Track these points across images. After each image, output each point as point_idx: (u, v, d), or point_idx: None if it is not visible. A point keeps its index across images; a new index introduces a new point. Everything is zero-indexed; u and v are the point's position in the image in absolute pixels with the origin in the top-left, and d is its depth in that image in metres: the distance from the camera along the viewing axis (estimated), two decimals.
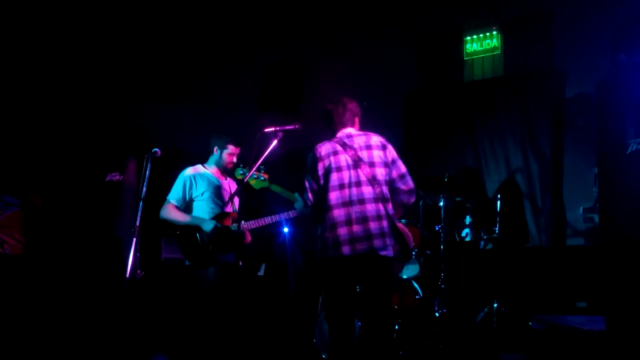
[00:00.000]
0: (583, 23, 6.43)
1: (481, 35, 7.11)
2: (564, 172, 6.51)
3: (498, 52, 7.04)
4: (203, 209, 5.02)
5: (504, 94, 6.88)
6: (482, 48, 7.13)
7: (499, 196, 5.88)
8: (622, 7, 5.65)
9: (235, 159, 5.10)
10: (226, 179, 5.20)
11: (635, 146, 4.78)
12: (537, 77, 6.72)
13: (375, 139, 4.24)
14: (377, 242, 4.03)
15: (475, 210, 6.31)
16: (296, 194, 4.38)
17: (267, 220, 4.95)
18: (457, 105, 7.15)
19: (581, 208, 6.37)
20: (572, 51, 6.51)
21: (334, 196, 4.11)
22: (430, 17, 7.39)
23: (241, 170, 4.66)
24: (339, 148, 4.19)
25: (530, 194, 6.57)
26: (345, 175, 4.12)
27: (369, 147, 4.18)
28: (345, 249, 4.03)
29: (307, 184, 4.24)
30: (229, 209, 5.06)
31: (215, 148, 5.14)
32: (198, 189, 5.03)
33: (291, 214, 4.85)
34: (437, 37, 7.44)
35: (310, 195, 4.23)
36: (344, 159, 4.15)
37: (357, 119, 4.39)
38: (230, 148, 5.09)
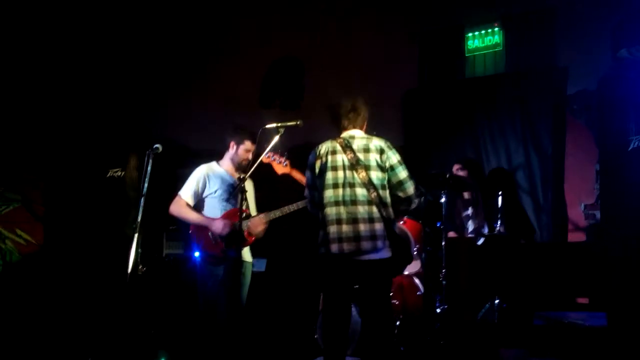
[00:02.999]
0: (585, 19, 6.42)
1: (483, 31, 7.10)
2: (566, 169, 6.50)
3: (500, 48, 7.03)
4: (215, 207, 5.01)
5: (506, 90, 6.87)
6: (483, 44, 7.11)
7: (500, 193, 5.87)
8: (624, 3, 5.64)
9: (250, 156, 5.10)
10: (240, 176, 5.18)
11: (637, 143, 4.77)
12: (539, 73, 6.70)
13: (376, 143, 4.24)
14: (365, 244, 4.06)
15: (477, 204, 6.30)
16: None
17: (291, 208, 4.96)
18: (458, 102, 7.14)
19: (582, 205, 6.37)
20: (573, 48, 6.50)
21: (328, 194, 4.18)
22: (431, 14, 7.38)
23: (267, 153, 4.79)
24: (338, 148, 4.24)
25: (532, 191, 6.57)
26: (341, 175, 4.18)
27: (367, 150, 4.20)
28: (334, 247, 4.10)
29: (306, 181, 4.39)
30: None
31: (232, 143, 5.12)
32: (211, 187, 5.02)
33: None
34: (438, 33, 7.43)
35: (308, 191, 4.37)
36: (341, 159, 4.20)
37: (365, 123, 4.42)
38: (247, 144, 5.08)
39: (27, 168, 6.96)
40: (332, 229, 4.10)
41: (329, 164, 4.21)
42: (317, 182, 4.26)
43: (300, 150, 4.96)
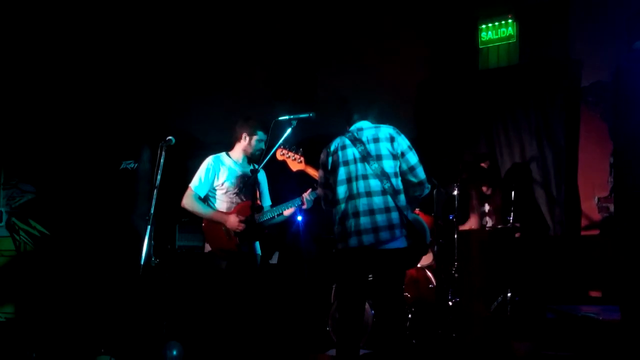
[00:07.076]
0: (599, 11, 6.37)
1: (497, 23, 7.05)
2: (579, 162, 6.47)
3: (513, 40, 6.98)
4: (224, 199, 4.99)
5: (519, 82, 6.83)
6: (497, 36, 7.07)
7: (513, 185, 5.85)
8: None
9: (263, 146, 5.08)
10: (253, 167, 5.15)
11: None
12: (553, 65, 6.66)
13: (385, 131, 4.22)
14: (383, 235, 4.04)
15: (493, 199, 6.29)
16: None
17: (281, 209, 4.96)
18: (471, 94, 7.11)
19: (596, 197, 6.34)
20: (588, 39, 6.45)
21: (342, 190, 4.17)
22: (445, 5, 7.34)
23: (282, 151, 4.79)
24: (347, 142, 4.23)
25: (545, 183, 6.54)
26: (353, 168, 4.16)
27: (376, 140, 4.18)
28: (352, 241, 4.07)
29: (319, 179, 4.37)
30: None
31: (244, 135, 5.06)
32: (220, 178, 4.97)
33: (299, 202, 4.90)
34: (451, 25, 7.39)
35: (321, 190, 4.36)
36: (352, 152, 4.19)
37: (375, 119, 4.40)
38: (260, 134, 5.04)
39: (40, 160, 6.99)
40: (350, 222, 4.09)
41: (340, 159, 4.21)
42: (331, 179, 4.26)
43: (313, 143, 4.95)
